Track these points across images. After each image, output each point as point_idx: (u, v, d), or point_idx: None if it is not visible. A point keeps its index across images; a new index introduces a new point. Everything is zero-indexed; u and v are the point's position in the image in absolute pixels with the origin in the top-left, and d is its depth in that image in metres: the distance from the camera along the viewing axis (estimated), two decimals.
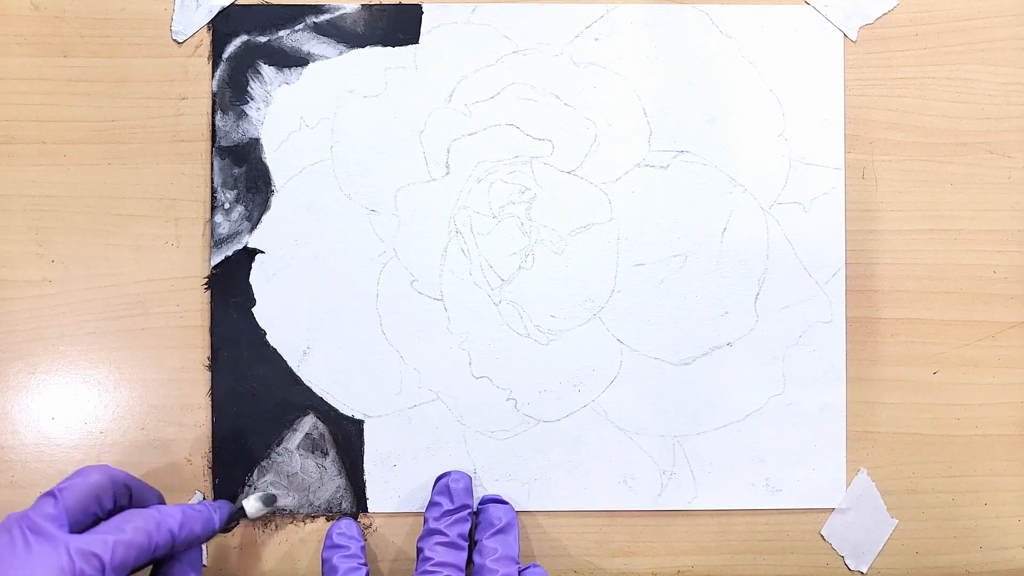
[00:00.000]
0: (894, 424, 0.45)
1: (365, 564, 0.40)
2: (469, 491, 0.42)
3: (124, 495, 0.36)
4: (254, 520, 0.43)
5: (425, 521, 0.41)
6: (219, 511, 0.39)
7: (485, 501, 0.42)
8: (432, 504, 0.41)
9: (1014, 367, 0.45)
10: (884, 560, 0.45)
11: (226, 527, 0.40)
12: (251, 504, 0.41)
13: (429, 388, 0.44)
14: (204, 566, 0.43)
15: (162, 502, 0.39)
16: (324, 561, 0.40)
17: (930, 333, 0.45)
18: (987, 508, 0.45)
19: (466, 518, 0.41)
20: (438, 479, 0.42)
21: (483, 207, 0.44)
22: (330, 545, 0.41)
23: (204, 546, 0.41)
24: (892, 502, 0.45)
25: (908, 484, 0.45)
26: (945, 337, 0.45)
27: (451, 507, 0.40)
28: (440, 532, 0.39)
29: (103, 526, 0.34)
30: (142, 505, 0.37)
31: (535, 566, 0.40)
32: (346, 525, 0.42)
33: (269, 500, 0.42)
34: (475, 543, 0.41)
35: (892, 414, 0.45)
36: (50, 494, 0.34)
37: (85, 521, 0.34)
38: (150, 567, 0.37)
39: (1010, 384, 0.45)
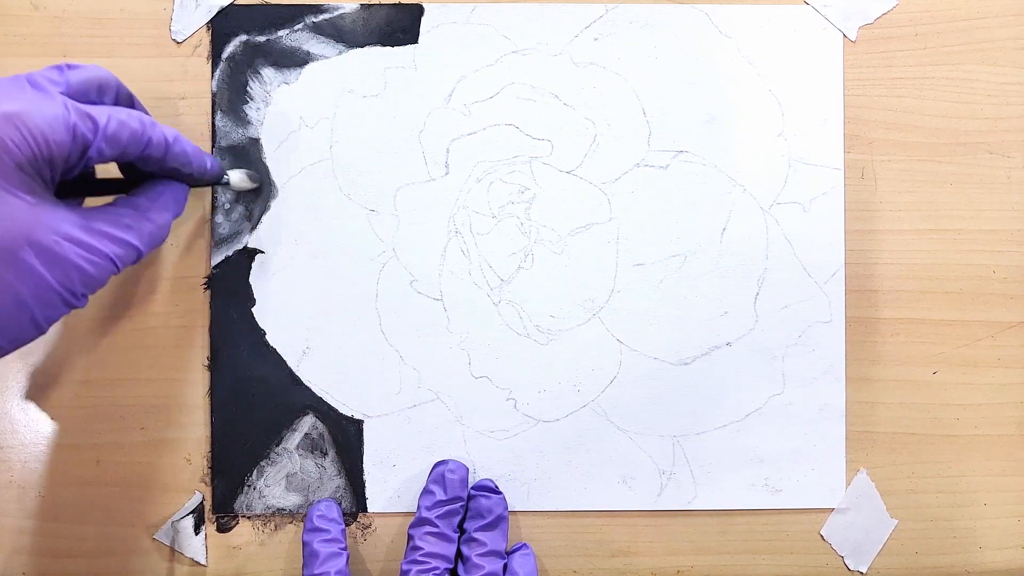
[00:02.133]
0: (894, 424, 0.45)
1: (346, 548, 0.40)
2: (464, 483, 0.42)
3: (126, 101, 0.36)
4: (233, 189, 0.43)
5: (418, 508, 0.41)
6: (211, 161, 0.39)
7: (478, 487, 0.42)
8: (426, 492, 0.41)
9: (1013, 367, 0.45)
10: (884, 560, 0.45)
11: (208, 183, 0.40)
12: (235, 175, 0.41)
13: (429, 388, 0.44)
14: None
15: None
16: (305, 544, 0.40)
17: (930, 333, 0.45)
18: (987, 508, 0.45)
19: (458, 510, 0.41)
20: (435, 466, 0.42)
21: (483, 207, 0.44)
22: (311, 528, 0.41)
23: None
24: (892, 502, 0.45)
25: (908, 484, 0.45)
26: (945, 337, 0.45)
27: (444, 498, 0.41)
28: (431, 522, 0.40)
29: (100, 105, 0.34)
30: None
31: (523, 546, 0.41)
32: (326, 507, 0.42)
33: (253, 177, 0.42)
34: (464, 531, 0.41)
35: (892, 414, 0.45)
36: (57, 67, 0.34)
37: (84, 102, 0.34)
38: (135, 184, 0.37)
39: (1009, 384, 0.45)
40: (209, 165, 0.39)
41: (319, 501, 0.42)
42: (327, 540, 0.40)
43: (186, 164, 0.37)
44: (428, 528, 0.39)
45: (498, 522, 0.41)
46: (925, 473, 0.45)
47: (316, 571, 0.39)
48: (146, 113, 0.37)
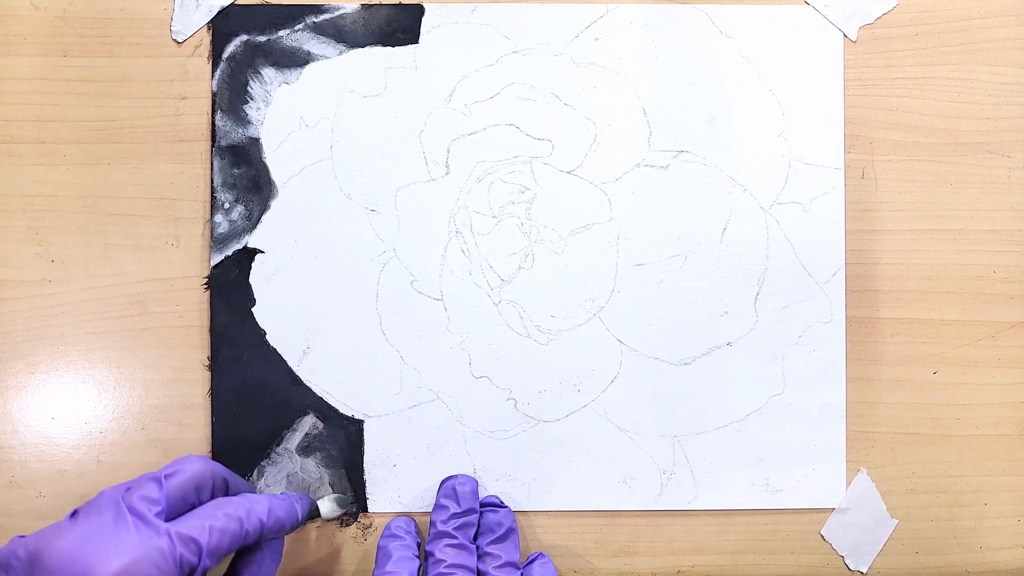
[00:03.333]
0: (894, 424, 0.45)
1: (418, 558, 0.40)
2: (475, 494, 0.42)
3: (221, 488, 0.36)
4: (327, 521, 0.43)
5: (432, 524, 0.40)
6: (300, 503, 0.39)
7: (483, 505, 0.42)
8: (439, 507, 0.41)
9: (1014, 367, 0.45)
10: (884, 560, 0.45)
11: (303, 525, 0.40)
12: (325, 505, 0.41)
13: (429, 388, 0.44)
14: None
15: (253, 491, 0.39)
16: (380, 548, 0.40)
17: (930, 333, 0.45)
18: (987, 508, 0.45)
19: (473, 522, 0.41)
20: (443, 482, 0.42)
21: (483, 207, 0.44)
22: (388, 535, 0.41)
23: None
24: (892, 502, 0.45)
25: (908, 484, 0.45)
26: (945, 337, 0.45)
27: (458, 510, 0.40)
28: (449, 535, 0.39)
29: (197, 512, 0.34)
30: (236, 494, 0.37)
31: (540, 555, 0.41)
32: (405, 522, 0.42)
33: (343, 502, 0.42)
34: (476, 547, 0.41)
35: (892, 414, 0.45)
36: (155, 479, 0.34)
37: (181, 510, 0.34)
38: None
39: (1010, 384, 0.45)
40: (301, 513, 0.39)
41: (397, 517, 0.43)
42: (403, 546, 0.40)
43: (282, 528, 0.37)
44: (448, 541, 0.39)
45: (509, 534, 0.41)
46: (925, 473, 0.45)
47: (388, 569, 0.39)
48: (243, 481, 0.38)
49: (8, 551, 0.31)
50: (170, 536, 0.32)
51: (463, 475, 0.42)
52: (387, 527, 0.42)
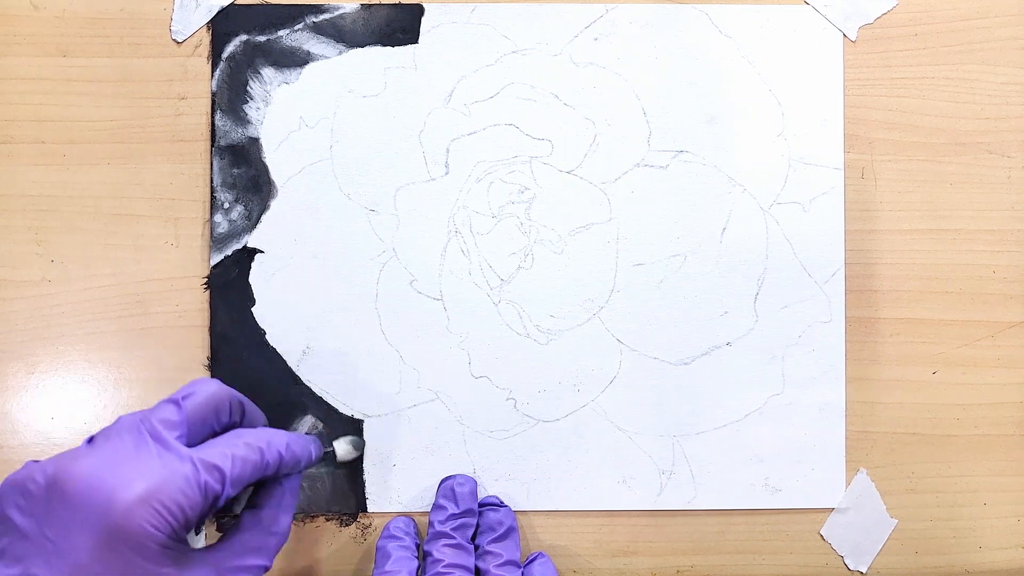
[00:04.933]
0: (893, 424, 0.45)
1: (417, 558, 0.40)
2: (474, 495, 0.42)
3: (238, 411, 0.36)
4: (340, 464, 0.43)
5: (430, 524, 0.41)
6: (314, 445, 0.39)
7: (483, 504, 0.42)
8: (437, 507, 0.41)
9: (1013, 367, 0.45)
10: (884, 560, 0.45)
11: (316, 464, 0.40)
12: (341, 446, 0.42)
13: (428, 388, 0.44)
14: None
15: (268, 426, 0.39)
16: (379, 549, 0.40)
17: (929, 333, 0.45)
18: (987, 508, 0.45)
19: (472, 523, 0.41)
20: (442, 482, 0.42)
21: (482, 207, 0.44)
22: (387, 535, 0.41)
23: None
24: (891, 502, 0.45)
25: (907, 484, 0.45)
26: (944, 337, 0.45)
27: (456, 511, 0.40)
28: (447, 535, 0.39)
29: (218, 440, 0.33)
30: (252, 425, 0.37)
31: (540, 555, 0.41)
32: (404, 522, 0.42)
33: (358, 444, 0.43)
34: (476, 547, 0.41)
35: (891, 414, 0.45)
36: (173, 401, 0.33)
37: (202, 434, 0.33)
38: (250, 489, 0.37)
39: (1009, 384, 0.45)
40: (315, 455, 0.38)
41: (396, 517, 0.43)
42: (402, 547, 0.40)
43: (298, 464, 0.36)
44: (446, 541, 0.39)
45: (509, 533, 0.41)
46: (925, 473, 0.45)
47: (387, 569, 0.39)
48: (256, 408, 0.37)
49: (25, 475, 0.30)
50: (193, 462, 0.31)
51: (462, 475, 0.42)
52: (386, 527, 0.42)
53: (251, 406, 0.37)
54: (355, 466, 0.44)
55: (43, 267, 0.44)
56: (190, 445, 0.32)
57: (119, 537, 0.29)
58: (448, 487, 0.41)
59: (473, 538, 0.41)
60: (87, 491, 0.29)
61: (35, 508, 0.30)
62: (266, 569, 0.35)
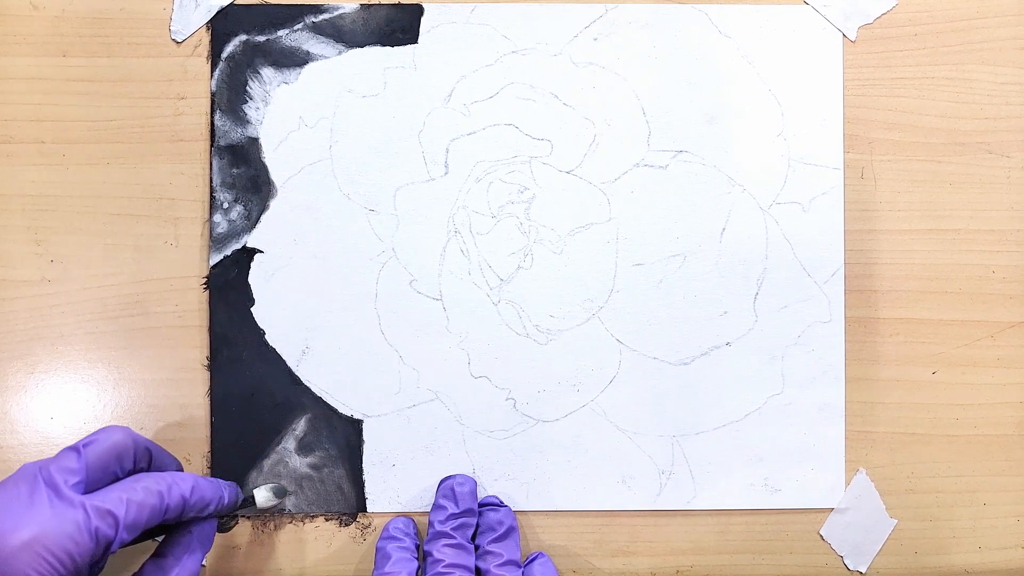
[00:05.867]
0: (893, 424, 0.45)
1: (416, 559, 0.40)
2: (474, 495, 0.42)
3: (144, 458, 0.36)
4: (261, 511, 0.43)
5: (430, 524, 0.40)
6: (228, 490, 0.39)
7: (483, 504, 0.42)
8: (437, 507, 0.41)
9: (1013, 367, 0.45)
10: (883, 560, 0.45)
11: (233, 511, 0.40)
12: (261, 494, 0.41)
13: (428, 388, 0.44)
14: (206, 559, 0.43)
15: (180, 471, 0.39)
16: (378, 550, 0.40)
17: (929, 333, 0.45)
18: (986, 508, 0.45)
19: (472, 523, 0.41)
20: (442, 482, 0.42)
21: (482, 207, 0.44)
22: (386, 536, 0.41)
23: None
24: (891, 502, 0.45)
25: (907, 484, 0.45)
26: (944, 337, 0.45)
27: (456, 511, 0.40)
28: (447, 535, 0.39)
29: (115, 486, 0.34)
30: (160, 470, 0.37)
31: (540, 555, 0.41)
32: (404, 523, 0.42)
33: (280, 492, 0.42)
34: (476, 547, 0.41)
35: (891, 414, 0.45)
36: (74, 449, 0.34)
37: (103, 480, 0.34)
38: (160, 537, 0.37)
39: (1009, 384, 0.45)
40: (227, 500, 0.38)
41: (396, 518, 0.43)
42: (402, 547, 0.40)
43: (206, 508, 0.37)
44: (446, 541, 0.39)
45: (510, 532, 0.41)
46: (925, 473, 0.45)
47: (387, 570, 0.39)
48: (167, 454, 0.38)
49: None
50: (85, 508, 0.32)
51: (461, 475, 0.42)
52: (385, 528, 0.42)
53: (161, 451, 0.38)
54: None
55: (43, 267, 0.44)
56: (89, 491, 0.33)
57: None
58: (448, 487, 0.41)
59: (473, 538, 0.41)
60: None
61: None
62: None
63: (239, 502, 0.40)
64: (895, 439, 0.45)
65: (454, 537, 0.39)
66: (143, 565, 0.36)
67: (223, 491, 0.38)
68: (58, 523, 0.31)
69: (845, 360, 0.44)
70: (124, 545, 0.33)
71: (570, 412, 0.44)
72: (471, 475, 0.43)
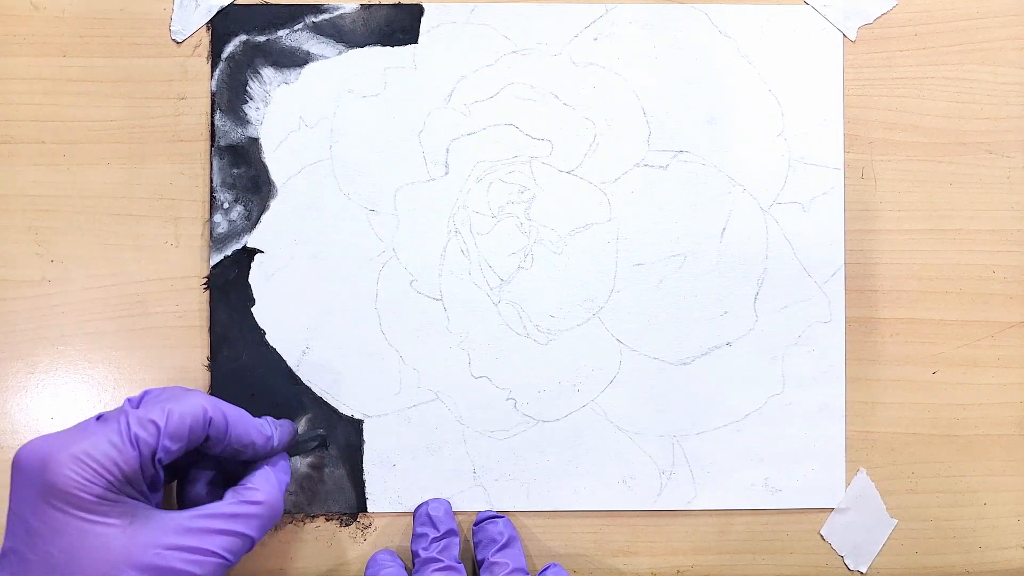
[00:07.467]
0: (893, 424, 0.45)
1: None
2: (450, 514, 0.42)
3: (220, 422, 0.36)
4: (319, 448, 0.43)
5: (415, 554, 0.40)
6: (283, 426, 0.40)
7: (480, 520, 0.42)
8: (418, 536, 0.41)
9: (1013, 367, 0.45)
10: (883, 560, 0.45)
11: (299, 445, 0.41)
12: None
13: (428, 388, 0.44)
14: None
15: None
16: None
17: (929, 333, 0.45)
18: (986, 508, 0.45)
19: (455, 542, 0.41)
20: (416, 510, 0.42)
21: (482, 207, 0.44)
22: (374, 566, 0.40)
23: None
24: (891, 502, 0.45)
25: (907, 484, 0.45)
26: (944, 337, 0.45)
27: (438, 534, 0.41)
28: (435, 559, 0.39)
29: (163, 394, 0.35)
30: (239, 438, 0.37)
31: (553, 565, 0.40)
32: (388, 553, 0.42)
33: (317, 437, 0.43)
34: (480, 563, 0.40)
35: (891, 414, 0.45)
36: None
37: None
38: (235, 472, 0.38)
39: (1009, 384, 0.45)
40: (280, 437, 0.39)
41: (377, 552, 0.42)
42: (392, 574, 0.40)
43: (250, 440, 0.37)
44: (435, 566, 0.39)
45: (511, 541, 0.41)
46: (925, 473, 0.45)
47: None
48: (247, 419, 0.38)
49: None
50: (127, 417, 0.33)
51: (433, 499, 0.43)
52: (370, 561, 0.41)
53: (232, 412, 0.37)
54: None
55: (43, 267, 0.44)
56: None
57: (54, 494, 0.31)
58: (423, 514, 0.42)
59: (475, 555, 0.41)
60: (30, 459, 0.32)
61: (14, 486, 0.33)
62: (252, 541, 0.36)
63: (296, 438, 0.41)
64: (895, 439, 0.45)
65: (442, 560, 0.39)
66: (226, 491, 0.36)
67: (272, 428, 0.39)
68: (103, 434, 0.32)
69: (845, 360, 0.44)
70: (175, 458, 0.34)
71: (570, 412, 0.44)
72: (471, 474, 0.43)
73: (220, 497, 0.36)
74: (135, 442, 0.33)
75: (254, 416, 0.38)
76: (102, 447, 0.32)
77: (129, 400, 0.35)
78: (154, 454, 0.33)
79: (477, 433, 0.44)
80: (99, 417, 0.34)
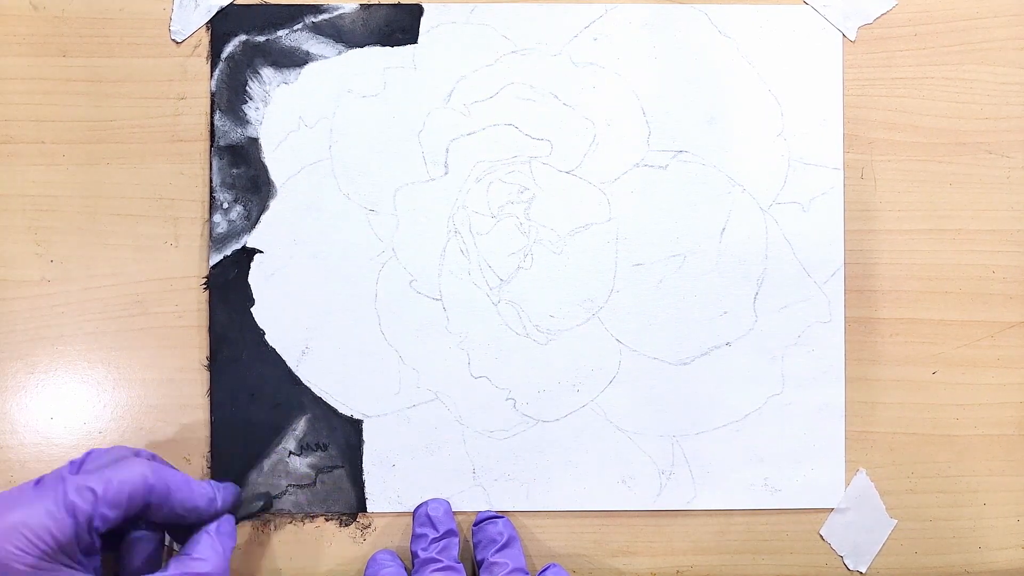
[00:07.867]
0: (893, 424, 0.45)
1: None
2: (449, 515, 0.42)
3: (161, 491, 0.36)
4: (264, 511, 0.43)
5: (415, 555, 0.40)
6: (224, 490, 0.39)
7: (480, 520, 0.42)
8: (417, 536, 0.41)
9: (1013, 367, 0.45)
10: (883, 560, 0.45)
11: (241, 508, 0.41)
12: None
13: (428, 388, 0.44)
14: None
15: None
16: None
17: (929, 333, 0.45)
18: (986, 508, 0.45)
19: (455, 543, 0.41)
20: (416, 510, 0.42)
21: (482, 207, 0.44)
22: (374, 565, 0.40)
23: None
24: (891, 502, 0.45)
25: (907, 484, 0.45)
26: (944, 337, 0.45)
27: (437, 535, 0.41)
28: (434, 559, 0.39)
29: (106, 456, 0.35)
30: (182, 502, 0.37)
31: (552, 566, 0.40)
32: (388, 553, 0.42)
33: (265, 501, 0.43)
34: (480, 563, 0.40)
35: (891, 414, 0.45)
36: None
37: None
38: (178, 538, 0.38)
39: (1009, 384, 0.45)
40: (220, 504, 0.38)
41: (376, 552, 0.42)
42: (393, 573, 0.40)
43: (195, 507, 0.37)
44: (434, 566, 0.39)
45: (511, 541, 0.41)
46: (925, 473, 0.45)
47: None
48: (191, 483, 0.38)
49: None
50: (64, 484, 0.33)
51: (432, 500, 0.43)
52: (370, 561, 0.41)
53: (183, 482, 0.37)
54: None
55: (43, 267, 0.44)
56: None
57: None
58: (423, 514, 0.42)
59: (474, 556, 0.41)
60: None
61: None
62: None
63: (241, 499, 0.40)
64: (895, 439, 0.45)
65: (441, 561, 0.39)
66: (168, 561, 0.36)
67: (216, 491, 0.38)
68: (39, 502, 0.32)
69: (845, 360, 0.44)
70: (113, 527, 0.34)
71: (570, 412, 0.44)
72: (471, 475, 0.43)
73: (162, 563, 0.36)
74: (71, 510, 0.32)
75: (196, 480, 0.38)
76: (37, 516, 0.32)
77: (71, 463, 0.35)
78: (91, 522, 0.33)
79: (477, 433, 0.44)
80: (38, 482, 0.34)
